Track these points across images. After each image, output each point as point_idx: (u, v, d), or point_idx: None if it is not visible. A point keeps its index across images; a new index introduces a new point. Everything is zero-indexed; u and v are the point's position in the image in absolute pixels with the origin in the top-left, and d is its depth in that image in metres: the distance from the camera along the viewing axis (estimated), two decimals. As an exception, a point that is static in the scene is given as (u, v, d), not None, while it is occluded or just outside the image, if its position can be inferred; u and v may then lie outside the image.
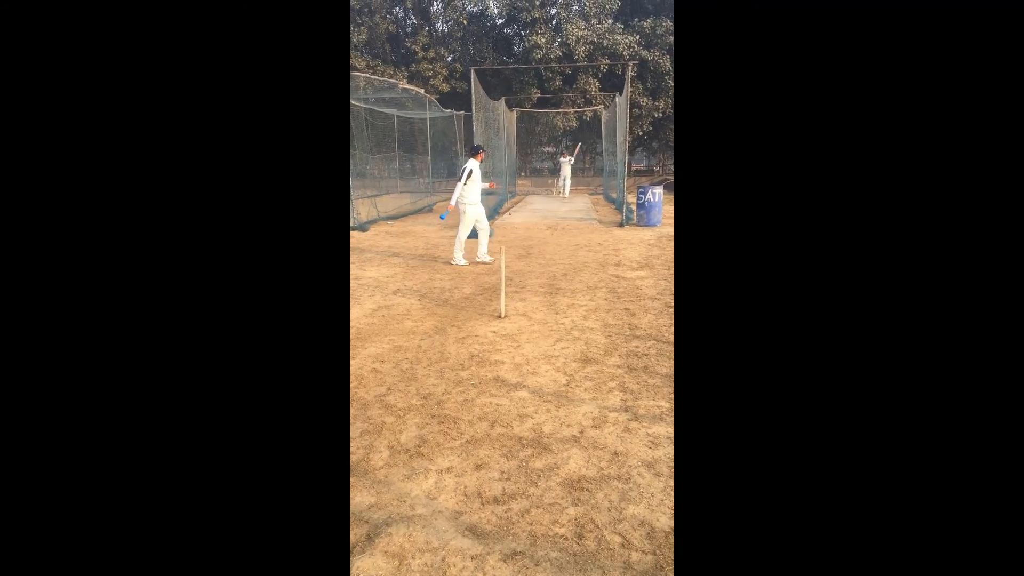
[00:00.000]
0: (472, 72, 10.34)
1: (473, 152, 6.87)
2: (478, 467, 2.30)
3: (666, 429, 2.59)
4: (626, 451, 2.40)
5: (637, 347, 3.74)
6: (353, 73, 12.43)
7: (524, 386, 3.13)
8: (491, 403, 2.91)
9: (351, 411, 2.86)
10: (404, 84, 14.63)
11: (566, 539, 1.84)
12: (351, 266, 6.77)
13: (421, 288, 5.58)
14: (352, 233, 9.75)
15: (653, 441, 2.48)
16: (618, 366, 3.41)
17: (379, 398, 3.00)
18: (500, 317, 4.49)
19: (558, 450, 2.42)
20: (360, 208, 10.81)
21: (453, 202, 6.64)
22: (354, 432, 2.62)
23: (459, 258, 6.82)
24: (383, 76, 17.39)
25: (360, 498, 2.10)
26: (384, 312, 4.71)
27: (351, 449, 2.47)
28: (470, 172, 6.58)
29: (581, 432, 2.58)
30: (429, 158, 15.96)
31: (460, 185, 6.60)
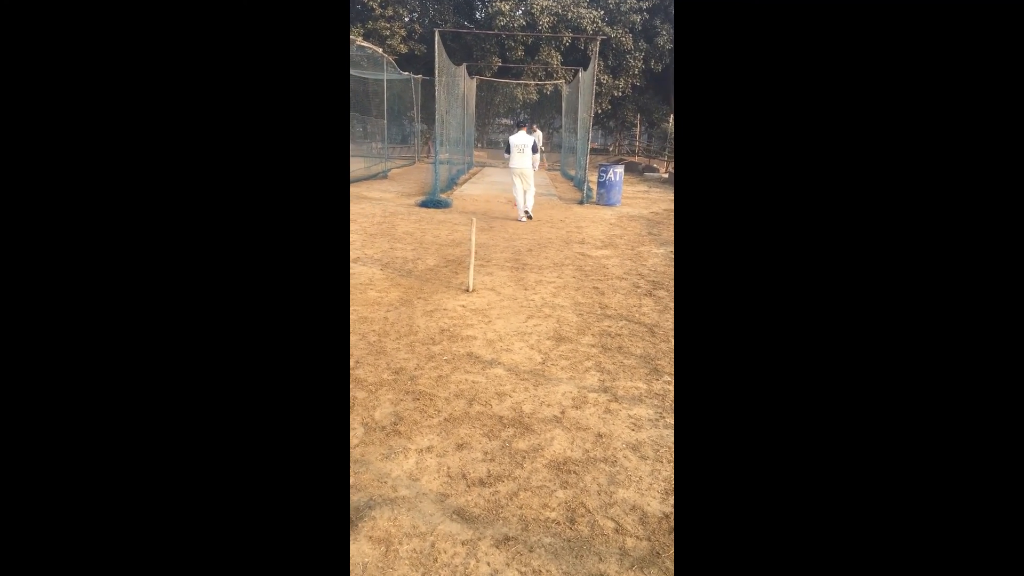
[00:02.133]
0: (436, 34, 9.92)
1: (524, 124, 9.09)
2: (460, 447, 2.21)
3: (646, 411, 2.58)
4: (609, 433, 2.37)
5: (609, 327, 3.72)
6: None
7: (499, 363, 3.05)
8: (467, 380, 2.82)
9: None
10: (360, 42, 13.95)
11: (558, 524, 1.79)
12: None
13: (383, 257, 5.37)
14: (304, 195, 9.30)
15: (635, 423, 2.46)
16: (592, 345, 3.38)
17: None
18: (468, 291, 4.37)
19: (541, 430, 2.36)
20: (312, 170, 10.29)
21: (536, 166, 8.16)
22: (324, 407, 2.48)
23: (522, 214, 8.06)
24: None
25: (337, 479, 1.98)
26: (345, 280, 4.50)
27: (322, 426, 2.33)
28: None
29: (562, 412, 2.53)
30: (385, 122, 15.35)
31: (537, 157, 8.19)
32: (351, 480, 1.97)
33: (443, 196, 9.51)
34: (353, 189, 10.51)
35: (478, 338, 3.41)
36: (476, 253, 5.72)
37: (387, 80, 15.31)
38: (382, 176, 13.15)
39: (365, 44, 14.09)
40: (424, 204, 8.92)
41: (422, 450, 2.18)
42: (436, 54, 9.76)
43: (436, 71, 9.80)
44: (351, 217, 7.47)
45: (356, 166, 13.72)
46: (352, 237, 6.21)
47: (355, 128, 19.33)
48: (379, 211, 8.14)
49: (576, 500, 1.91)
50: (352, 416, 2.41)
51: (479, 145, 25.21)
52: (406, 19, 21.82)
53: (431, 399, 2.60)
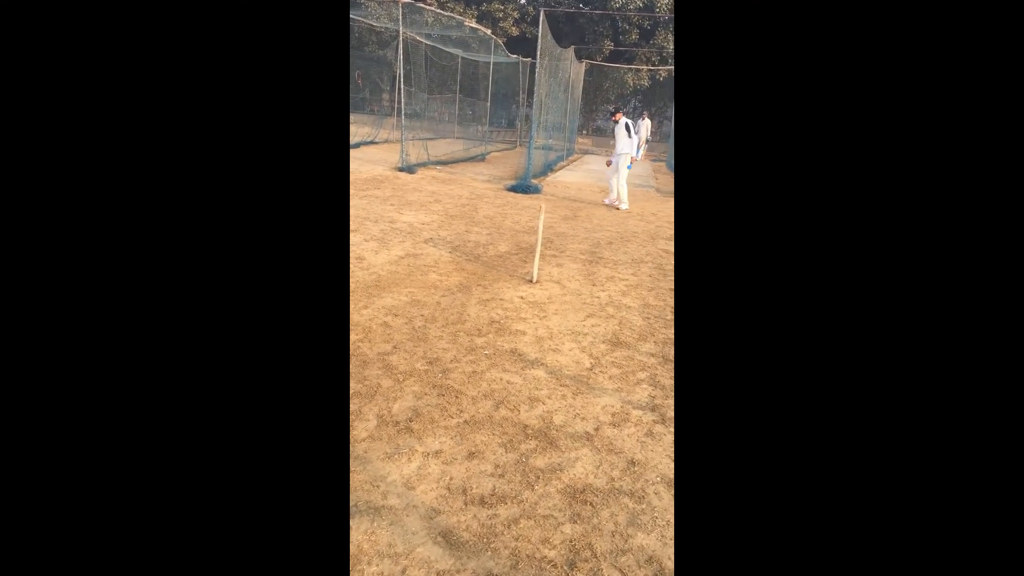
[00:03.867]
0: (542, 14, 9.64)
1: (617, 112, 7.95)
2: (471, 455, 2.00)
3: (696, 439, 2.22)
4: (645, 461, 2.06)
5: (677, 335, 3.33)
6: (421, 5, 11.90)
7: (542, 364, 2.79)
8: (501, 379, 2.60)
9: (350, 366, 2.60)
10: (471, 23, 13.98)
11: (554, 567, 1.53)
12: (389, 208, 6.51)
13: (455, 239, 5.27)
14: (398, 174, 9.49)
15: (678, 453, 2.12)
16: (652, 354, 3.02)
17: (382, 356, 2.74)
18: (531, 282, 4.13)
19: (566, 448, 2.09)
20: (410, 149, 10.49)
21: (637, 155, 7.88)
22: (345, 393, 2.37)
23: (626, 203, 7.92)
24: (451, 13, 16.71)
25: (330, 474, 1.84)
26: (410, 261, 4.43)
27: (336, 413, 2.21)
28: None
29: (596, 429, 2.24)
30: (488, 104, 15.36)
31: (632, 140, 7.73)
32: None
33: (535, 182, 9.29)
34: (448, 170, 10.58)
35: (527, 334, 3.17)
36: (551, 243, 5.46)
37: (494, 63, 15.27)
38: (480, 159, 13.16)
39: (476, 26, 14.11)
40: (513, 188, 8.75)
41: (429, 454, 1.99)
42: (540, 35, 9.50)
43: (538, 53, 9.54)
44: (436, 198, 7.48)
45: (456, 147, 13.87)
46: (431, 218, 6.17)
47: (463, 110, 19.62)
48: (466, 193, 8.09)
49: (583, 540, 1.64)
50: (369, 406, 2.28)
51: (584, 132, 24.67)
52: (522, 0, 21.69)
53: (457, 396, 2.41)
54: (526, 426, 2.22)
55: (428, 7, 13.46)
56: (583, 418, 2.32)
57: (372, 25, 17.96)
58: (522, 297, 3.79)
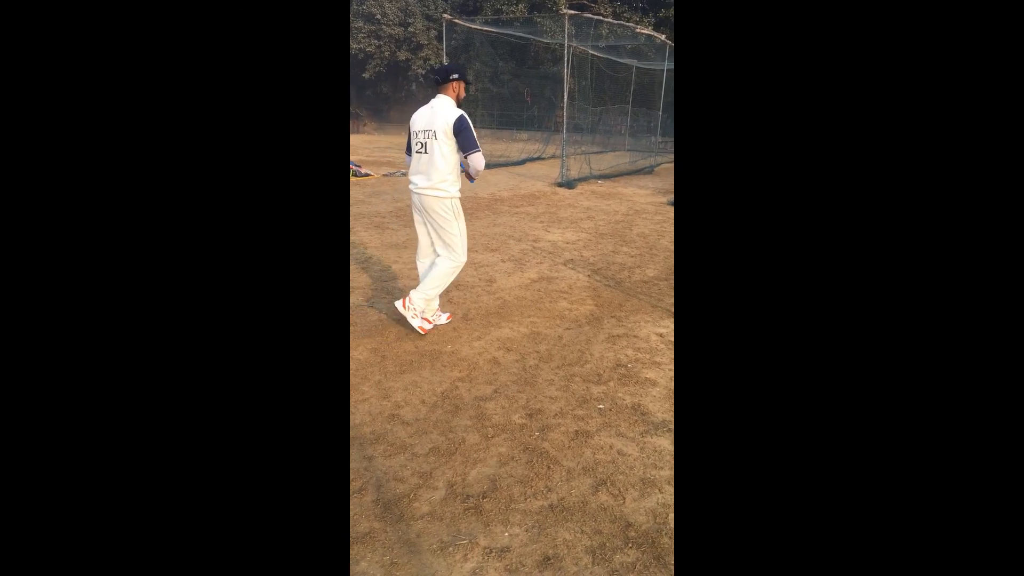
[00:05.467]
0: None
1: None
2: (545, 562, 1.53)
3: None
4: (797, 612, 1.39)
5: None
6: (593, 18, 11.62)
7: (670, 430, 2.20)
8: (612, 447, 2.07)
9: (439, 411, 2.28)
10: (646, 30, 13.33)
11: None
12: (537, 226, 6.24)
13: (598, 261, 4.77)
14: (556, 190, 9.24)
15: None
16: (828, 430, 2.24)
17: (478, 402, 2.38)
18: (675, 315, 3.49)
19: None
20: (571, 164, 10.21)
21: None
22: (423, 447, 2.04)
23: None
24: (627, 23, 16.18)
25: (366, 563, 1.50)
26: (543, 285, 4.05)
27: (402, 475, 1.89)
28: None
29: (728, 544, 1.61)
30: (660, 113, 14.50)
31: None
32: (388, 563, 1.47)
33: (704, 195, 8.38)
34: (610, 184, 10.09)
35: (658, 384, 2.58)
36: (711, 266, 4.69)
37: (667, 69, 14.39)
38: (648, 171, 12.41)
39: (652, 33, 13.43)
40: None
41: (492, 551, 1.56)
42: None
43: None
44: (589, 214, 7.04)
45: (622, 160, 13.28)
46: (578, 236, 5.75)
47: (636, 121, 18.94)
48: (623, 208, 7.52)
49: None
50: (443, 469, 1.92)
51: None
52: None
53: (549, 467, 1.94)
54: (629, 524, 1.67)
55: (600, 17, 13.11)
56: (712, 522, 1.69)
57: (546, 43, 18.21)
58: (661, 335, 3.17)
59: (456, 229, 3.03)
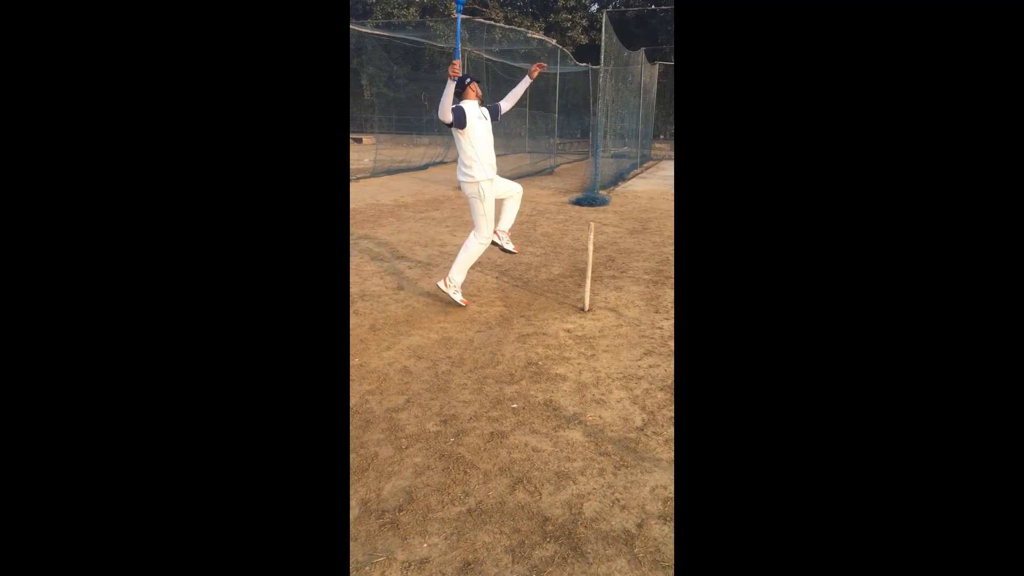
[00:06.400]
0: (605, 16, 9.09)
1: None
2: (466, 567, 1.52)
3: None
4: (705, 581, 1.48)
5: (758, 377, 2.68)
6: (484, 22, 11.73)
7: (581, 422, 2.26)
8: (526, 445, 2.10)
9: (351, 429, 2.20)
10: (536, 35, 13.66)
11: None
12: (443, 231, 6.20)
13: (505, 262, 4.83)
14: (460, 194, 9.22)
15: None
16: (724, 406, 2.40)
17: (390, 413, 2.32)
18: (583, 311, 3.60)
19: (595, 558, 1.55)
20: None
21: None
22: (333, 466, 1.96)
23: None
24: (519, 27, 16.49)
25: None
26: (451, 290, 4.03)
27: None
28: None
29: (640, 526, 1.68)
30: (556, 116, 14.91)
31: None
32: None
33: (603, 193, 8.71)
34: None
35: (569, 379, 2.65)
36: (613, 261, 4.89)
37: (562, 73, 14.83)
38: (548, 172, 12.72)
39: (540, 37, 13.79)
40: (578, 202, 8.22)
41: (411, 565, 1.53)
42: (603, 38, 8.95)
43: (602, 57, 8.99)
44: (494, 216, 7.10)
45: (524, 162, 13.50)
46: (484, 238, 5.78)
47: (534, 124, 19.32)
48: (527, 209, 7.66)
49: None
50: (356, 487, 1.85)
51: (661, 137, 23.62)
52: (591, 8, 21.18)
53: (466, 472, 1.93)
54: (546, 519, 1.70)
55: (490, 22, 13.27)
56: (624, 507, 1.76)
57: (440, 47, 18.14)
58: (569, 331, 3.26)
59: (481, 210, 3.50)
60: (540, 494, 1.82)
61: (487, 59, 13.09)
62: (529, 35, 12.51)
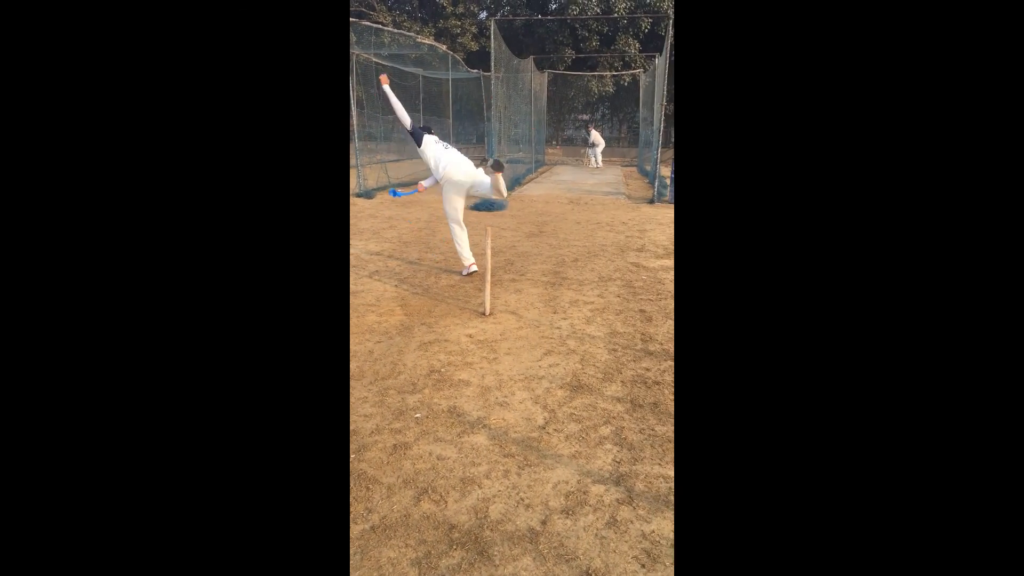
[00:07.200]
0: (493, 25, 9.25)
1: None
2: (371, 585, 1.48)
3: (670, 524, 1.72)
4: (606, 569, 1.55)
5: (648, 369, 2.84)
6: (372, 26, 11.47)
7: (485, 426, 2.29)
8: (430, 454, 2.08)
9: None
10: (427, 40, 13.59)
11: None
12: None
13: (405, 270, 4.76)
14: (355, 200, 8.99)
15: (649, 550, 1.62)
16: (618, 399, 2.53)
17: (285, 435, 2.21)
18: (484, 315, 3.63)
19: (501, 559, 1.58)
20: (368, 173, 10.00)
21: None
22: (222, 497, 1.83)
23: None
24: (408, 32, 16.30)
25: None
26: (349, 301, 3.91)
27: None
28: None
29: (544, 522, 1.73)
30: (450, 122, 14.93)
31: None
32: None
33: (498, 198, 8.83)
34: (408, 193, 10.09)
35: (472, 384, 2.66)
36: (512, 265, 4.98)
37: (455, 79, 14.87)
38: (445, 177, 12.66)
39: (434, 43, 13.74)
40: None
41: (312, 590, 1.46)
42: (492, 46, 9.09)
43: (492, 65, 9.14)
44: (391, 224, 6.98)
45: (420, 167, 13.34)
46: (382, 247, 5.66)
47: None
48: (425, 215, 7.60)
49: None
50: (249, 515, 1.75)
51: (553, 143, 24.38)
52: (480, 15, 21.41)
53: (369, 489, 1.89)
54: (452, 527, 1.70)
55: (379, 25, 13.02)
56: (528, 505, 1.81)
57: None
58: (470, 336, 3.28)
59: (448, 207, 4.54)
60: (446, 502, 1.82)
61: (376, 63, 12.81)
62: (419, 39, 12.41)
